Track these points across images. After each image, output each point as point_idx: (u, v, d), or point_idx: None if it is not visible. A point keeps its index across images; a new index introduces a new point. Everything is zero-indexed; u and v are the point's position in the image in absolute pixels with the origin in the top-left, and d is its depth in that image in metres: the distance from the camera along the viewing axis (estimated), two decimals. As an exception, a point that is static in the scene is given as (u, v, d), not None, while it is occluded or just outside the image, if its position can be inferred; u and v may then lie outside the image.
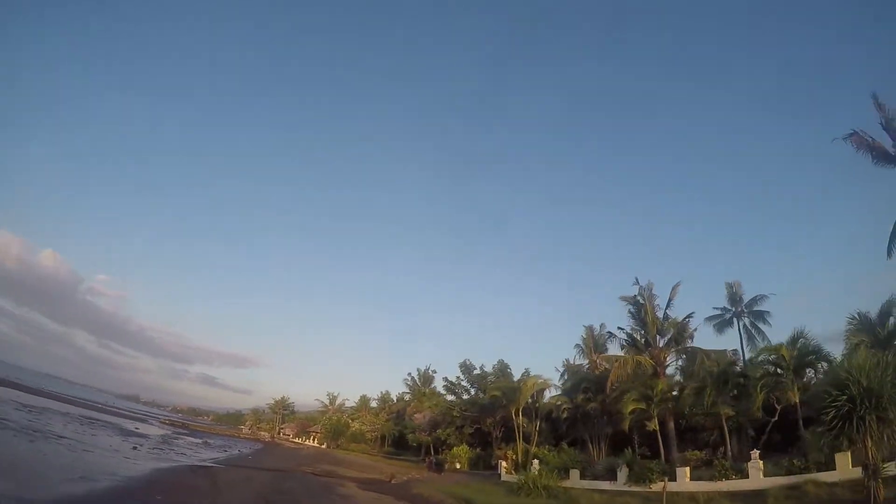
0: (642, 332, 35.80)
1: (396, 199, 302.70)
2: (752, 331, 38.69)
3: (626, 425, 30.41)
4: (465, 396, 51.35)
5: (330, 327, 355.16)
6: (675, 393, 32.62)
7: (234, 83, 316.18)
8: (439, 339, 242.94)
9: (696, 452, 27.24)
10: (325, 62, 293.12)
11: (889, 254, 30.84)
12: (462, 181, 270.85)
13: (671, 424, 31.22)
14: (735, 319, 39.75)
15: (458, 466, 43.95)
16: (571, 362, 50.33)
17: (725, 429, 29.34)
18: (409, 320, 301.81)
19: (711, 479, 24.82)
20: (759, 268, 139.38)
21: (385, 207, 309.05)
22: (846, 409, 16.31)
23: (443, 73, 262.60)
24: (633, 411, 29.95)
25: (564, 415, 39.12)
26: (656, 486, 26.07)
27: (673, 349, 35.05)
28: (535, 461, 33.90)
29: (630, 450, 28.77)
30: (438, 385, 71.02)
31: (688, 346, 34.11)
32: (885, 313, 26.91)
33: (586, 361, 53.08)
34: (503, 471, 37.36)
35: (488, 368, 50.64)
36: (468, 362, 51.83)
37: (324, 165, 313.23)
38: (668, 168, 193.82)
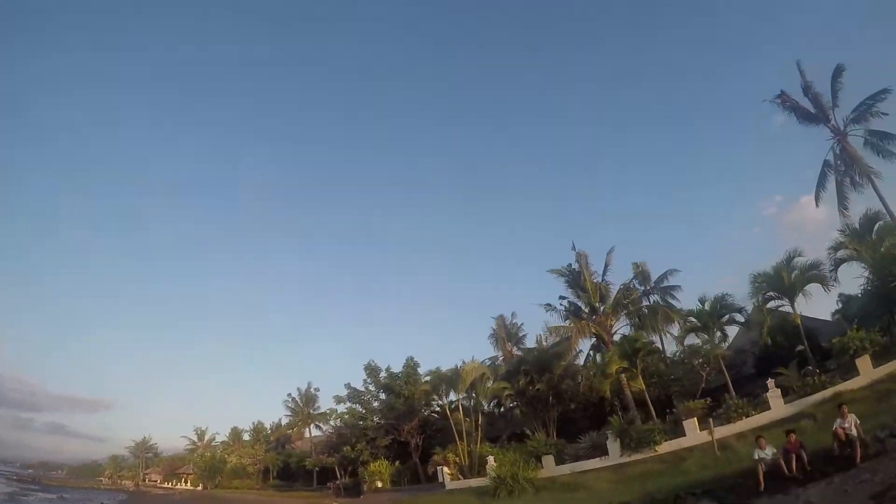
0: (582, 300, 32.67)
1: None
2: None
3: (606, 389, 26.43)
4: (375, 403, 43.54)
5: (190, 358, 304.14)
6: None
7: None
8: (323, 355, 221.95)
9: (699, 402, 24.17)
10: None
11: (817, 202, 32.91)
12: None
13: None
14: (645, 298, 39.11)
15: (379, 485, 36.19)
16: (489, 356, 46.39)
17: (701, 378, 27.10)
18: (286, 339, 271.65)
19: (725, 423, 21.71)
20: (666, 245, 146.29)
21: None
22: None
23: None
24: (618, 370, 26.09)
25: (508, 402, 34.27)
26: (663, 448, 22.23)
27: (623, 312, 32.30)
28: (491, 458, 28.29)
29: (617, 417, 24.70)
30: (325, 403, 62.36)
31: (642, 304, 31.74)
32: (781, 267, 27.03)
33: (500, 353, 49.41)
34: (447, 478, 30.92)
35: (395, 370, 43.82)
36: (373, 364, 44.30)
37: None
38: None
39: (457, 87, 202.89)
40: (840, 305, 28.83)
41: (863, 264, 24.54)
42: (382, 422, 40.71)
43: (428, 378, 36.08)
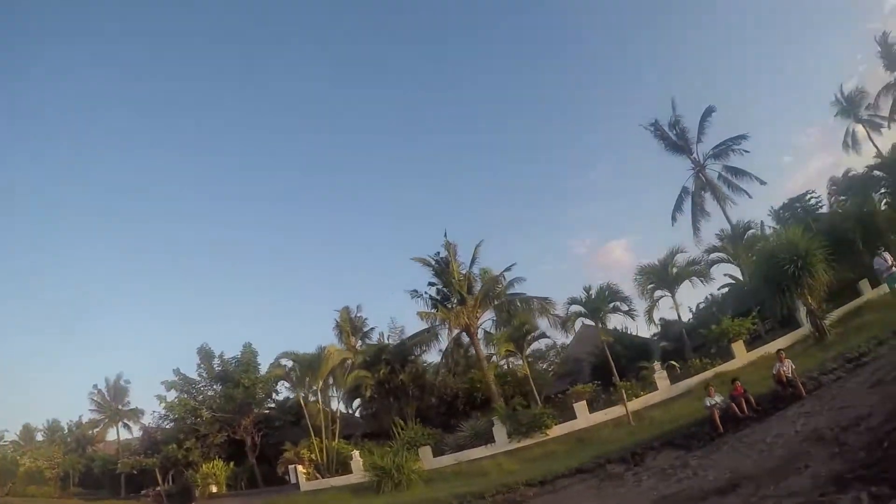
0: (451, 290, 30.61)
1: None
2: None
3: (491, 375, 24.45)
4: (210, 393, 36.50)
5: None
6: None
7: None
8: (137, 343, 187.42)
9: (588, 385, 23.43)
10: None
11: (672, 222, 35.93)
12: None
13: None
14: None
15: (214, 490, 30.17)
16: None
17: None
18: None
19: (613, 405, 21.09)
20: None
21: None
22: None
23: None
24: (506, 352, 24.31)
25: (369, 393, 30.63)
26: (554, 432, 20.87)
27: (492, 305, 30.69)
28: (356, 453, 24.78)
29: (501, 404, 22.95)
30: (136, 399, 52.72)
31: (510, 293, 30.39)
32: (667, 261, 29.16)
33: (344, 346, 45.69)
34: (302, 478, 26.48)
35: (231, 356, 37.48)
36: (207, 348, 37.17)
37: None
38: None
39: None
40: (706, 302, 31.72)
41: (736, 263, 26.76)
42: (218, 415, 34.25)
43: (286, 362, 30.82)
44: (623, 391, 20.76)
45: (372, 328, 41.82)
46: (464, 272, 30.42)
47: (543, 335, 28.77)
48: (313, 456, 27.18)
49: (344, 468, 25.33)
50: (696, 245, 32.85)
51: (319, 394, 29.90)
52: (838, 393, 11.46)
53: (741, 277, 28.76)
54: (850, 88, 39.06)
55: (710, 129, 34.88)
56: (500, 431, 21.81)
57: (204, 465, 31.13)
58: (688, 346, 26.54)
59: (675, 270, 28.45)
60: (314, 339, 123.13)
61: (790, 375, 13.11)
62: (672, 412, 17.84)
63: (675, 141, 35.41)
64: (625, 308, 27.55)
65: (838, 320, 19.69)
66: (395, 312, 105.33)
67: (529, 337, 26.04)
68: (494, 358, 30.65)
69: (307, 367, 27.92)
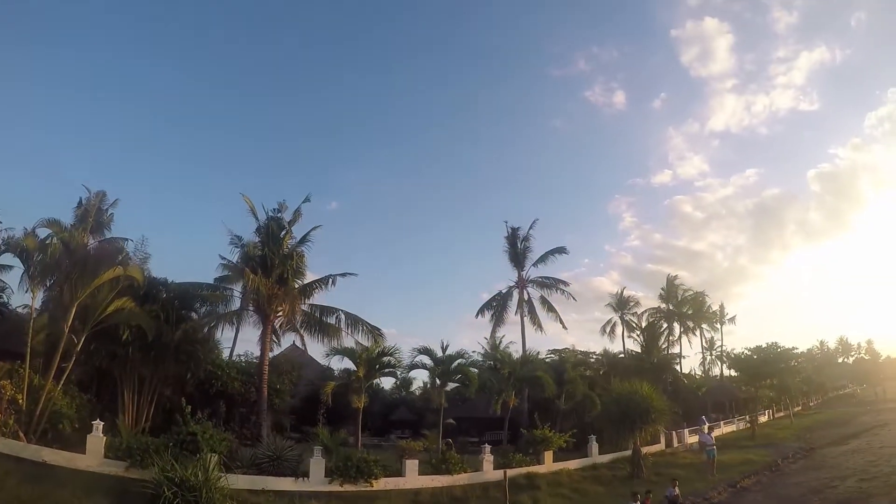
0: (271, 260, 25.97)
1: None
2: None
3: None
4: None
5: None
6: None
7: None
8: None
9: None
10: None
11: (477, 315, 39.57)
12: None
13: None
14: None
15: None
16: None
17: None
18: None
19: (445, 473, 20.02)
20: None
21: None
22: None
23: None
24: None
25: (126, 335, 21.17)
26: (380, 484, 18.39)
27: (303, 303, 26.97)
28: (99, 425, 16.98)
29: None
30: None
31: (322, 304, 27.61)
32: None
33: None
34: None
35: None
36: None
37: None
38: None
39: None
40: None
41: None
42: None
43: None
44: (453, 462, 20.17)
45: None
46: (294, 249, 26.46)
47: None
48: (19, 398, 17.05)
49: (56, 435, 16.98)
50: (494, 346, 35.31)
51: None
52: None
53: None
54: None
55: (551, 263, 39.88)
56: (318, 465, 17.98)
57: None
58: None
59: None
60: None
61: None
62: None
63: (518, 252, 38.77)
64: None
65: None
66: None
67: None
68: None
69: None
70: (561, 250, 39.39)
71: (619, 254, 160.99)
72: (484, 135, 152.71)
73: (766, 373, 48.88)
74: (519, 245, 38.89)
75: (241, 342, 28.62)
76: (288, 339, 31.21)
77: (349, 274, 27.52)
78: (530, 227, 38.96)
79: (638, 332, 47.87)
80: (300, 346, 31.35)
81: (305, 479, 17.58)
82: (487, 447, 22.08)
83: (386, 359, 26.58)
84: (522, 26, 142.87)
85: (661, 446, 30.32)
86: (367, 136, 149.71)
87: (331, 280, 27.33)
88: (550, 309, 38.18)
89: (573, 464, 24.55)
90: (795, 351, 55.06)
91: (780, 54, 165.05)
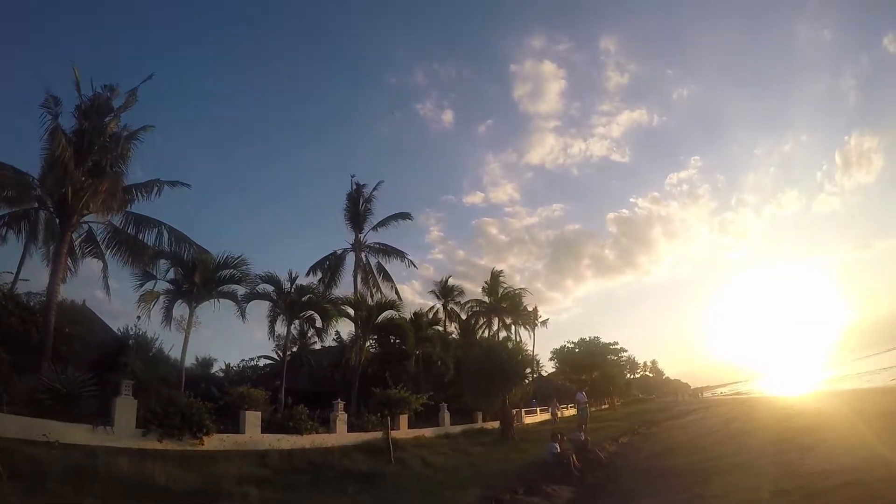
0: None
1: None
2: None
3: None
4: None
5: None
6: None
7: None
8: None
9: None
10: None
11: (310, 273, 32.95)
12: None
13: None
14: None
15: None
16: None
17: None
18: None
19: (293, 433, 16.88)
20: None
21: None
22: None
23: None
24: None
25: None
26: (213, 442, 14.75)
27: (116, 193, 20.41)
28: None
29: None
30: None
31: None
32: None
33: None
34: None
35: None
36: None
37: None
38: None
39: None
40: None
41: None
42: None
43: None
44: (301, 420, 17.28)
45: None
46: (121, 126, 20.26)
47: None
48: None
49: None
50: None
51: None
52: None
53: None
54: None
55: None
56: (127, 408, 13.50)
57: None
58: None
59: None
60: None
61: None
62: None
63: (359, 213, 34.09)
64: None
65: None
66: None
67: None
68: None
69: None
70: (405, 216, 35.27)
71: (421, 264, 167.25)
72: (310, 126, 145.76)
73: (590, 364, 52.63)
74: (361, 204, 34.18)
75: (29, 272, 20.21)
76: (86, 269, 23.24)
77: (180, 183, 21.64)
78: (375, 188, 34.50)
79: (457, 323, 45.06)
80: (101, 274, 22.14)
81: (109, 428, 13.08)
82: (341, 403, 19.52)
83: (228, 272, 21.85)
84: (371, 26, 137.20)
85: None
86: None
87: (156, 187, 21.23)
88: (387, 278, 34.41)
89: (427, 432, 23.24)
90: (616, 346, 59.03)
91: (604, 108, 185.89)
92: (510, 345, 25.35)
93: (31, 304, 18.62)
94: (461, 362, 30.05)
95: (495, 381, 23.28)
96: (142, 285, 21.03)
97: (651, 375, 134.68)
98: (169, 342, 31.02)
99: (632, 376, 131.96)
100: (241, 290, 23.50)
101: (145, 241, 21.17)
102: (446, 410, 26.94)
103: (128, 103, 20.07)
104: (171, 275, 21.58)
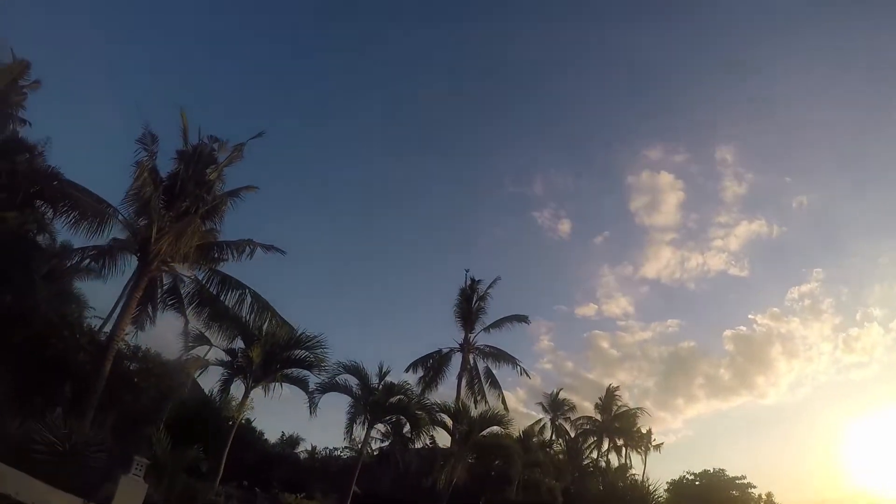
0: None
1: None
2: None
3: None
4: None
5: None
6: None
7: None
8: None
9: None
10: None
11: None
12: None
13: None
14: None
15: None
16: None
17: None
18: None
19: None
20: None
21: None
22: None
23: None
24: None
25: None
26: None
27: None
28: None
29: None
30: None
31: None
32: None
33: None
34: None
35: None
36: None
37: None
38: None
39: None
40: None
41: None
42: None
43: None
44: None
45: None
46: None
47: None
48: None
49: None
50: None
51: None
52: None
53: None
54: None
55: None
56: (132, 489, 10.15)
57: None
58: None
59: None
60: None
61: None
62: None
63: (471, 310, 31.21)
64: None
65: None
66: None
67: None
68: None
69: None
70: (521, 318, 31.81)
71: (529, 373, 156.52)
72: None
73: (714, 500, 42.26)
74: (474, 302, 31.22)
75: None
76: (165, 323, 21.42)
77: (275, 248, 19.97)
78: (490, 285, 31.31)
79: (563, 441, 40.71)
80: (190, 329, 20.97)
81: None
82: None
83: (299, 352, 18.64)
84: (490, 135, 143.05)
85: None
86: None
87: (248, 248, 19.74)
88: (494, 384, 30.38)
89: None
90: (744, 481, 48.11)
91: (721, 219, 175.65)
92: (632, 479, 18.81)
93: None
94: (571, 493, 23.38)
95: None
96: (191, 348, 18.96)
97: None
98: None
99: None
100: (315, 378, 20.49)
101: (226, 302, 19.26)
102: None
103: (232, 158, 19.66)
104: (238, 343, 19.16)
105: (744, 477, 49.03)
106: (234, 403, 19.85)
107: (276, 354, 18.72)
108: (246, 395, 18.04)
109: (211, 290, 19.33)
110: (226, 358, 19.49)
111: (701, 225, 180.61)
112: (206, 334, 19.21)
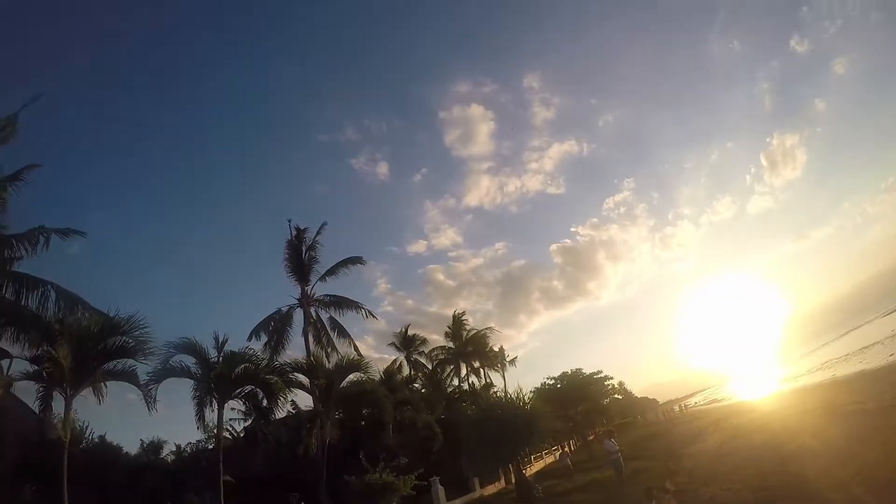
0: None
1: None
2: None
3: None
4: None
5: None
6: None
7: None
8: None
9: None
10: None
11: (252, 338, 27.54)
12: None
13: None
14: None
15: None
16: None
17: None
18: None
19: None
20: None
21: None
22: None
23: None
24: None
25: None
26: None
27: None
28: None
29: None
30: None
31: None
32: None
33: None
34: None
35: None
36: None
37: None
38: None
39: None
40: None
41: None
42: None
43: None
44: None
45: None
46: None
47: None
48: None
49: None
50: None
51: None
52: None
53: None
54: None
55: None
56: None
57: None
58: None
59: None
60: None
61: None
62: None
63: (302, 262, 28.82)
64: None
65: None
66: None
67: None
68: None
69: None
70: (357, 260, 30.22)
71: (375, 315, 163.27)
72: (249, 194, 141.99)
73: (577, 398, 48.26)
74: (304, 252, 29.01)
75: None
76: None
77: (74, 231, 16.37)
78: (318, 232, 29.14)
79: (422, 375, 41.11)
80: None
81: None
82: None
83: (115, 340, 15.36)
84: (297, 88, 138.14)
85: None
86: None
87: (42, 237, 15.70)
88: (342, 333, 28.69)
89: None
90: (600, 374, 54.57)
91: (534, 143, 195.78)
92: (512, 396, 20.44)
93: None
94: (447, 421, 24.70)
95: (508, 443, 18.05)
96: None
97: (621, 398, 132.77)
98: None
99: (607, 401, 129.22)
100: (146, 367, 17.35)
101: (28, 305, 15.05)
102: (439, 485, 21.42)
103: (7, 135, 14.53)
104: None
105: (600, 371, 55.59)
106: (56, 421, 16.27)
107: (90, 348, 15.10)
108: (68, 408, 14.53)
109: (7, 296, 14.87)
110: (31, 368, 15.34)
111: (515, 151, 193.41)
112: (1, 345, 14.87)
